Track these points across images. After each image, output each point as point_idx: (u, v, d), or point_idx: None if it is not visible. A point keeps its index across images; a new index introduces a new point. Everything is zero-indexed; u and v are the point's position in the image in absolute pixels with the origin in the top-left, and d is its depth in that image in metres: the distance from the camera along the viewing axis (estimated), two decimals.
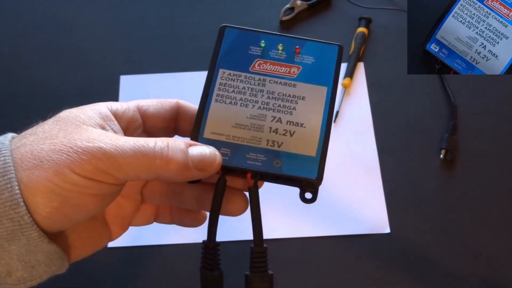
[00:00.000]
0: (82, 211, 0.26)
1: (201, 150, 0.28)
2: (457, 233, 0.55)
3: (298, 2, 0.70)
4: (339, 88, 0.65)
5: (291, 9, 0.70)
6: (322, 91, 0.32)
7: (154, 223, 0.36)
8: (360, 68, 0.66)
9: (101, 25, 0.72)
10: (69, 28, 0.72)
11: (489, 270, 0.53)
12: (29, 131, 0.27)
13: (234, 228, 0.54)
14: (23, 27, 0.72)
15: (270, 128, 0.31)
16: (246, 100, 0.31)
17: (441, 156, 0.59)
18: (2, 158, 0.24)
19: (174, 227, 0.57)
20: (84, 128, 0.26)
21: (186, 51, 0.68)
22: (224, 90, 0.32)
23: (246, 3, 0.72)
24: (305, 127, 0.31)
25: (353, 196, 0.58)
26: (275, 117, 0.31)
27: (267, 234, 0.55)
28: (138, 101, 0.32)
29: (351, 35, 0.68)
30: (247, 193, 0.31)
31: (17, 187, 0.24)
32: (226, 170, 0.30)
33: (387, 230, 0.56)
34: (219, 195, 0.30)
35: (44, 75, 0.68)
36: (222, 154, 0.30)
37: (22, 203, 0.24)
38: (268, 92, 0.32)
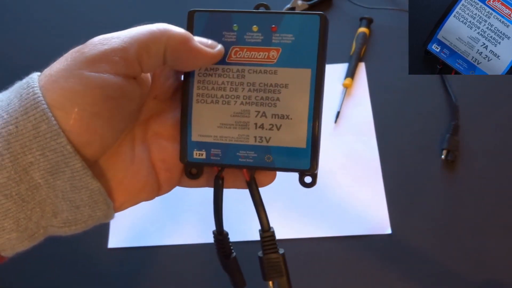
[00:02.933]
0: (101, 120, 0.25)
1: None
2: (458, 233, 0.55)
3: (299, 2, 0.70)
4: (340, 88, 0.65)
5: (292, 9, 0.70)
6: (305, 75, 0.29)
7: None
8: (361, 69, 0.66)
9: (100, 26, 0.72)
10: (68, 29, 0.72)
11: (490, 271, 0.53)
12: None
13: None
14: (23, 27, 0.72)
15: (256, 124, 0.29)
16: (227, 96, 0.29)
17: (443, 156, 0.59)
18: (31, 90, 0.24)
19: (173, 228, 0.57)
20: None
21: None
22: (203, 88, 0.30)
23: (247, 4, 0.72)
24: (291, 118, 0.29)
25: (354, 197, 0.58)
26: (259, 112, 0.29)
27: None
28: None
29: (352, 35, 0.68)
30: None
31: (53, 118, 0.24)
32: (221, 167, 0.30)
33: (388, 231, 0.56)
34: (218, 192, 0.30)
35: None
36: (213, 155, 0.29)
37: (61, 133, 0.24)
38: (249, 84, 0.29)
